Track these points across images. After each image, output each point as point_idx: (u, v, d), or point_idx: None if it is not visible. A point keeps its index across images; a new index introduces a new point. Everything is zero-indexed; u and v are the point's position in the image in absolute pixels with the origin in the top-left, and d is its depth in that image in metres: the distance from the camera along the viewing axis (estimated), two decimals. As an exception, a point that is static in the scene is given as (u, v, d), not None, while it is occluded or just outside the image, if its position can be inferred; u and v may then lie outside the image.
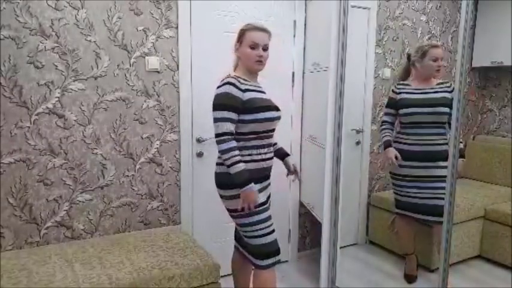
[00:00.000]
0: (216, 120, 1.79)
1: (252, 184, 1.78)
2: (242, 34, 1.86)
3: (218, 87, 1.82)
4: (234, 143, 1.77)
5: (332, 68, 2.36)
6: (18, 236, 2.11)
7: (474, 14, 3.39)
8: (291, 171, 2.14)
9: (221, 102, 1.78)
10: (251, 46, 1.83)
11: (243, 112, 1.80)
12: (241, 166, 1.76)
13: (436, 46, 2.48)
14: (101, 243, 2.13)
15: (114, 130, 2.30)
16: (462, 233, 2.89)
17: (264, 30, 1.87)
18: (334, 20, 2.31)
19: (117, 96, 2.29)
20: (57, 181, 2.17)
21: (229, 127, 1.77)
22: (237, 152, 1.76)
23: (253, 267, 1.97)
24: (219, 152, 1.80)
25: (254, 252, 1.91)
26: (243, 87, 1.80)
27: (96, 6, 2.17)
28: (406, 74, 2.65)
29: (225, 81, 1.81)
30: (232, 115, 1.78)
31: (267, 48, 1.88)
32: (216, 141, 1.79)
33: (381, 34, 3.14)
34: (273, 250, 1.90)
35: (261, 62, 1.86)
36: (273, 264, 1.92)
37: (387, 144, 2.62)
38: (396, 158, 2.52)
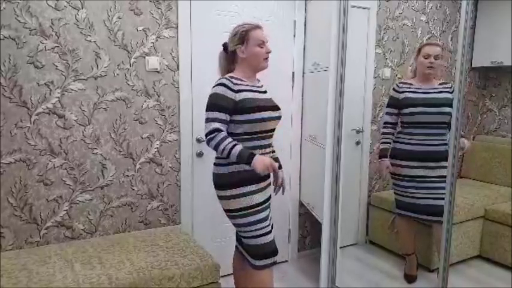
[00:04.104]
0: (206, 120, 1.78)
1: (256, 154, 1.72)
2: (245, 34, 1.85)
3: (212, 88, 1.82)
4: (224, 134, 1.74)
5: (332, 67, 2.36)
6: (18, 236, 2.11)
7: (474, 14, 3.38)
8: (278, 183, 2.06)
9: (212, 103, 1.78)
10: (260, 45, 1.86)
11: (235, 113, 1.79)
12: (239, 147, 1.72)
13: (429, 44, 2.52)
14: (101, 243, 2.13)
15: (114, 130, 2.30)
16: (462, 233, 2.89)
17: (261, 27, 1.90)
18: (334, 20, 2.32)
19: (117, 96, 2.29)
20: (57, 181, 2.17)
21: (218, 126, 1.75)
22: (229, 140, 1.73)
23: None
24: (213, 149, 1.76)
25: (250, 252, 1.90)
26: (236, 87, 1.79)
27: (96, 6, 2.17)
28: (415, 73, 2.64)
29: (218, 82, 1.82)
30: (223, 115, 1.77)
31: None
32: (206, 140, 1.77)
33: (381, 34, 3.14)
34: (269, 251, 1.89)
35: (267, 58, 1.90)
36: (270, 264, 1.90)
37: (383, 154, 2.62)
38: (388, 168, 2.59)
